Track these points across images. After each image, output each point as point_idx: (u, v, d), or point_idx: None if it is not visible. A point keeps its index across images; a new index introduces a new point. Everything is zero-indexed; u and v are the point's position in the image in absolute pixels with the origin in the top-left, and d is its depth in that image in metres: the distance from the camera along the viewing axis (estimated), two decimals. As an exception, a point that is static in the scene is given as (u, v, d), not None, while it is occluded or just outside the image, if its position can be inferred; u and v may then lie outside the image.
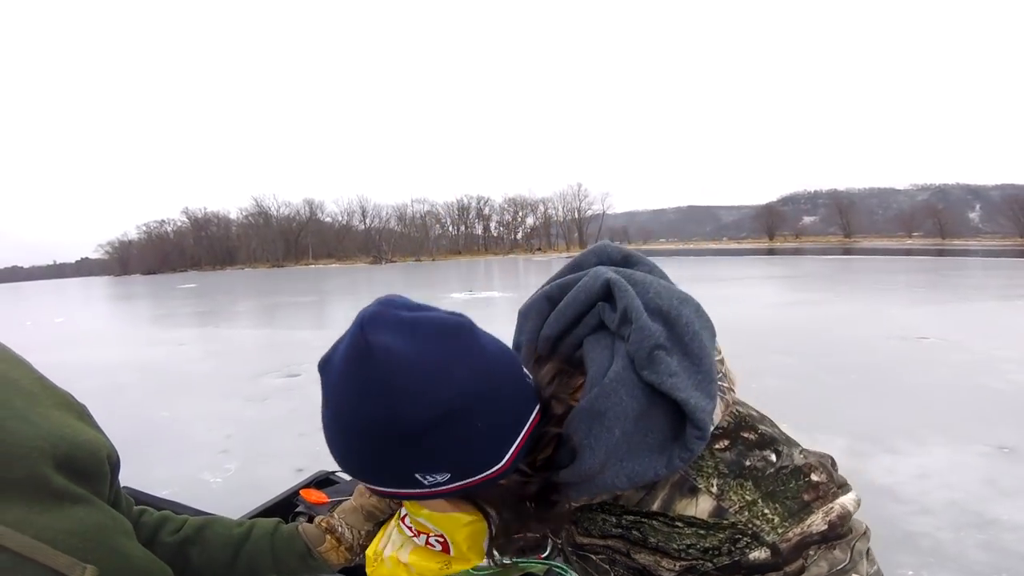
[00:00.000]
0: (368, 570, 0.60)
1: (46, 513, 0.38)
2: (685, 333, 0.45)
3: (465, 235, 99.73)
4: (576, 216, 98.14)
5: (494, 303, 13.32)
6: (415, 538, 0.59)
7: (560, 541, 0.59)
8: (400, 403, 0.38)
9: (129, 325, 14.03)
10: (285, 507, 2.00)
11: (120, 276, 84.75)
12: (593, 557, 0.53)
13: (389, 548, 0.59)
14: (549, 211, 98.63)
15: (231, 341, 9.54)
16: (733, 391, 0.51)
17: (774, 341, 6.48)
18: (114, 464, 0.49)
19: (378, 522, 0.61)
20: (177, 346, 9.12)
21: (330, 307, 14.92)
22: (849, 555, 0.45)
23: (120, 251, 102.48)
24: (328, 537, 0.59)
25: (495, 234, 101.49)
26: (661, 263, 0.53)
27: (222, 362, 7.30)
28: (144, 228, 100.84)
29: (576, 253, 0.59)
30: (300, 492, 1.81)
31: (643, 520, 0.48)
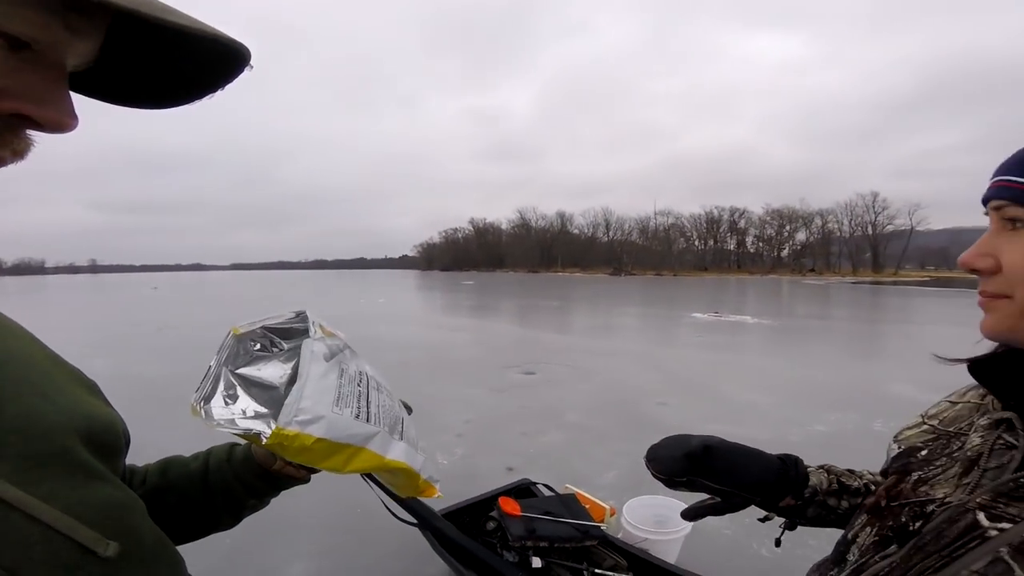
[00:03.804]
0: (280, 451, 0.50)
1: (75, 489, 0.38)
2: None
3: (714, 250, 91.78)
4: (870, 232, 78.86)
5: (745, 329, 11.71)
6: None
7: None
8: None
9: (425, 310, 17.86)
10: (483, 508, 2.10)
11: (425, 271, 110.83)
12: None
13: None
14: (829, 225, 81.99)
15: (492, 333, 11.05)
16: None
17: None
18: (127, 440, 0.49)
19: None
20: (452, 332, 11.12)
21: (570, 315, 15.74)
22: None
23: (426, 252, 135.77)
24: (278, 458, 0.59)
25: (752, 250, 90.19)
26: None
27: (479, 352, 8.48)
28: (443, 234, 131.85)
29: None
30: (499, 499, 1.89)
31: None
